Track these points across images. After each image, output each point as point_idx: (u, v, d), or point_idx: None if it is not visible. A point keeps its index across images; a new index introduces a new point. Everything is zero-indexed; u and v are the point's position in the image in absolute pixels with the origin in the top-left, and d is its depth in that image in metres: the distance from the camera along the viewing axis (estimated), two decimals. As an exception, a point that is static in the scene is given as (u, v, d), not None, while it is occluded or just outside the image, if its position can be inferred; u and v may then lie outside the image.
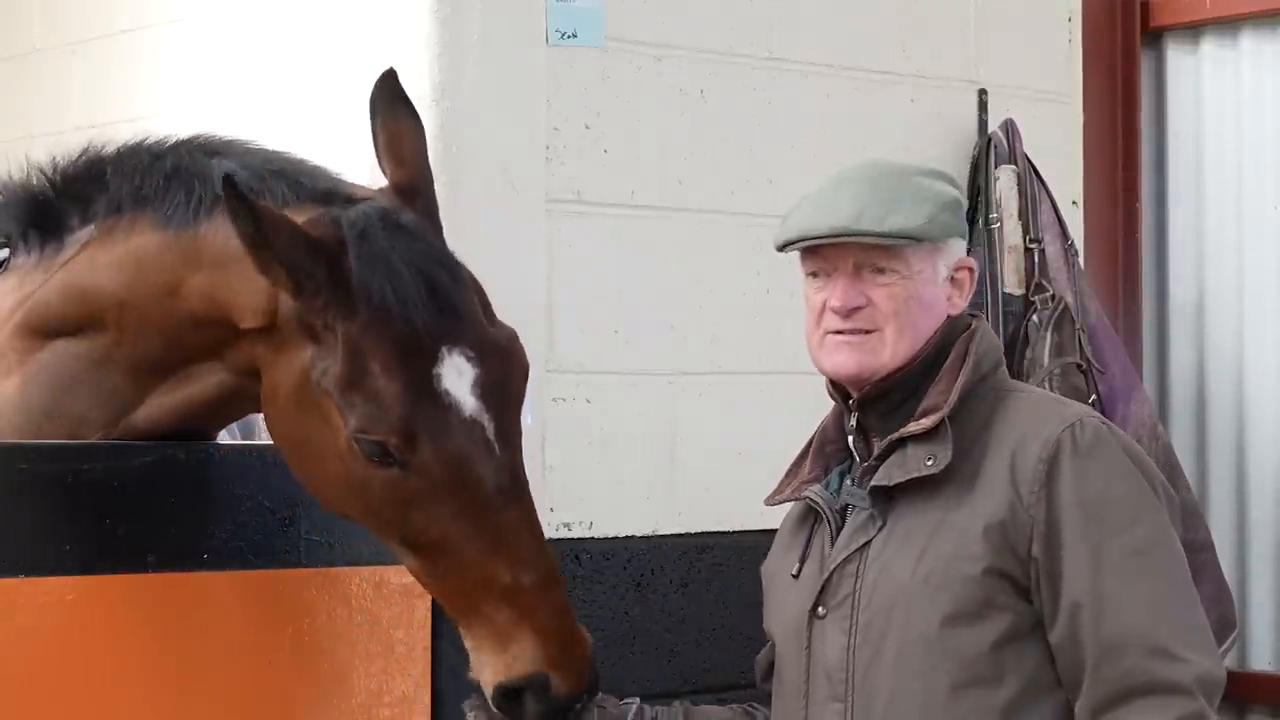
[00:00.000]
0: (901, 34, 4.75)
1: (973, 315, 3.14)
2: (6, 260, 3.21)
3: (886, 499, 3.01)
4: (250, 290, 2.90)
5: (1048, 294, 4.72)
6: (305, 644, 3.27)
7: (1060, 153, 5.01)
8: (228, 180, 2.75)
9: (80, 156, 3.17)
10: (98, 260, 3.08)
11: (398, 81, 3.05)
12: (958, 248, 3.10)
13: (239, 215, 2.75)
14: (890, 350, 3.02)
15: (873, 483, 3.01)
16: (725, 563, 4.37)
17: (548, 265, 4.15)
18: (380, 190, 2.99)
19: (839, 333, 3.03)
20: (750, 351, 4.47)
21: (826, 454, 3.16)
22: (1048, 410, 3.03)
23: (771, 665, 3.20)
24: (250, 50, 4.58)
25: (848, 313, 3.02)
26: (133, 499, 3.12)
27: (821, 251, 3.05)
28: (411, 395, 2.78)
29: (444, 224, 3.07)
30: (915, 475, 2.96)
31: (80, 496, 3.08)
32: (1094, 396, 4.69)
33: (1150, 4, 5.20)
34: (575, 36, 4.20)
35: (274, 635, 3.25)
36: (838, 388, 3.12)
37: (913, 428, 2.98)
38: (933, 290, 3.05)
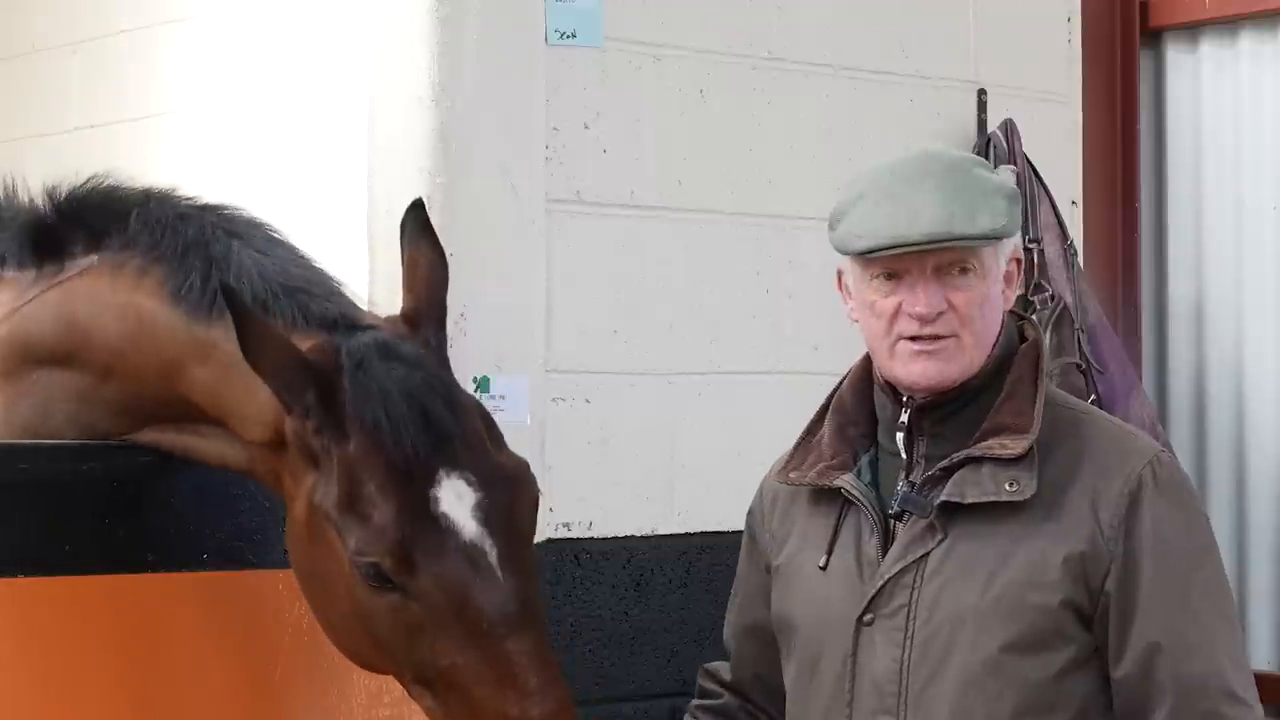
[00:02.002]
0: (901, 34, 4.75)
1: (1020, 316, 3.06)
2: None
3: (950, 512, 2.90)
4: (256, 402, 2.88)
5: (1047, 294, 4.72)
6: (305, 644, 3.27)
7: (1060, 153, 5.01)
8: (226, 290, 2.77)
9: (90, 183, 3.16)
10: (99, 296, 3.05)
11: (424, 211, 3.00)
12: (1015, 240, 3.00)
13: (238, 324, 2.76)
14: (970, 356, 2.90)
15: (943, 497, 2.89)
16: (725, 563, 4.34)
17: (547, 265, 4.14)
18: (389, 319, 2.96)
19: (914, 339, 2.89)
20: (749, 352, 4.47)
21: (850, 437, 3.04)
22: (1125, 441, 2.96)
23: (751, 674, 3.18)
24: (250, 50, 4.58)
25: (932, 319, 2.89)
26: (133, 499, 3.12)
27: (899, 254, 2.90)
28: (406, 517, 2.74)
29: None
30: (995, 499, 2.87)
31: (80, 496, 3.08)
32: (1093, 396, 4.69)
33: (1150, 4, 5.21)
34: (575, 36, 4.20)
35: (273, 635, 3.25)
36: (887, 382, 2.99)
37: (998, 450, 2.87)
38: (998, 288, 2.94)
